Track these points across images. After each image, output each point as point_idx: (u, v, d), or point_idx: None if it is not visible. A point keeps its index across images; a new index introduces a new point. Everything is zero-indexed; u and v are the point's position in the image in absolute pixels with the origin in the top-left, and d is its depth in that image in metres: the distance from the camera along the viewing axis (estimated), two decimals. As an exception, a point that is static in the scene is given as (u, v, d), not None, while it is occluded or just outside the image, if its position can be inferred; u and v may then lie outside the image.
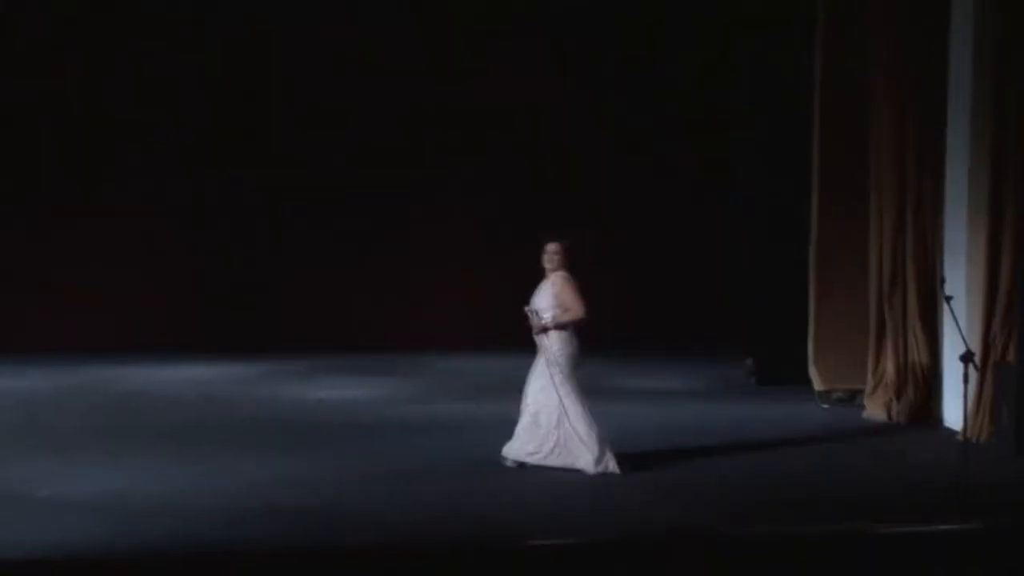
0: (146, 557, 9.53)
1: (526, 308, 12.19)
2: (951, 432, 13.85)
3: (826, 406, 15.58)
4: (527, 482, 11.68)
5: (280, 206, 20.26)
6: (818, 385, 15.79)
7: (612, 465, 11.92)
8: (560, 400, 12.02)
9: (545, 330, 12.09)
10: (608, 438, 12.00)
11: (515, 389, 15.12)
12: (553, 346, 12.10)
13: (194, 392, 12.95)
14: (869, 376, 15.22)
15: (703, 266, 20.02)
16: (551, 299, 12.13)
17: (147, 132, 19.95)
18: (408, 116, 20.31)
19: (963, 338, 11.77)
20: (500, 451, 12.27)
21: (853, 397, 15.54)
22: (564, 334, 12.13)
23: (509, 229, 19.68)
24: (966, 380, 11.34)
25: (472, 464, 12.25)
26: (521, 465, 12.12)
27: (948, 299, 11.89)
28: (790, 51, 16.58)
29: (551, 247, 12.25)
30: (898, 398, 14.73)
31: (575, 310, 12.05)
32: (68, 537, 9.88)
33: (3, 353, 18.70)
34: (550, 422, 12.08)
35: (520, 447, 12.19)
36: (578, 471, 11.89)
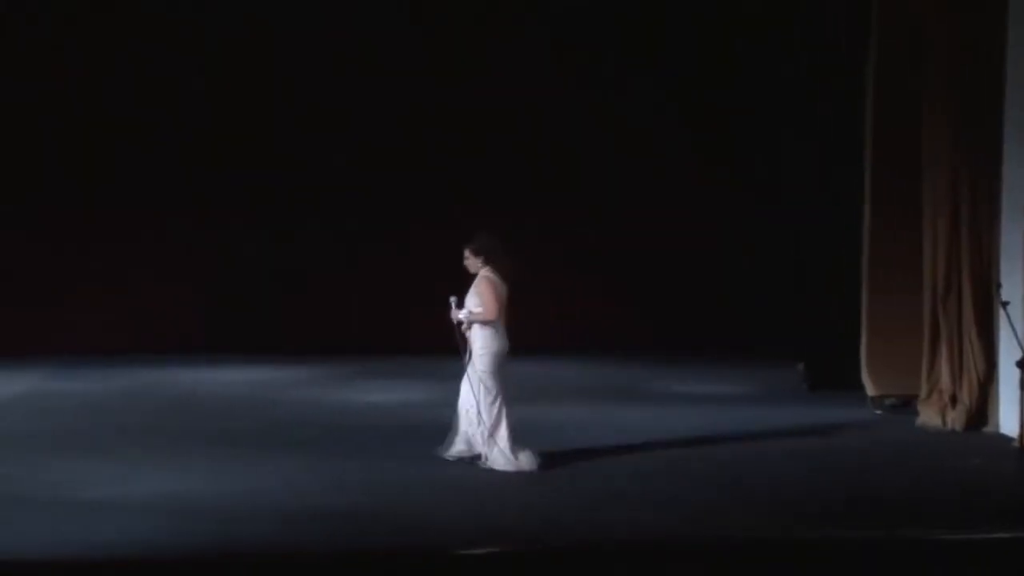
0: (194, 558, 9.58)
1: (451, 299, 12.38)
2: (1007, 439, 13.69)
3: (879, 412, 15.43)
4: (578, 487, 11.74)
5: (336, 209, 20.22)
6: (871, 391, 15.59)
7: (526, 463, 12.14)
8: (476, 397, 12.19)
9: (460, 325, 12.31)
10: (520, 437, 12.23)
11: (562, 393, 15.66)
12: (475, 343, 12.29)
13: (243, 395, 12.98)
14: (923, 382, 14.94)
15: (755, 270, 19.82)
16: (474, 298, 12.40)
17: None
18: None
19: (1020, 344, 11.67)
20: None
21: (907, 403, 15.29)
22: (487, 332, 12.37)
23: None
24: (1023, 386, 11.24)
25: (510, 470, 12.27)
26: (475, 458, 12.34)
27: (1005, 304, 11.77)
28: (840, 53, 16.54)
29: (465, 253, 12.50)
30: (953, 404, 14.50)
31: (484, 311, 12.28)
32: (118, 538, 10.03)
33: (57, 356, 18.86)
34: (471, 419, 12.30)
35: (451, 444, 12.45)
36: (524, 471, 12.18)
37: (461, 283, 16.99)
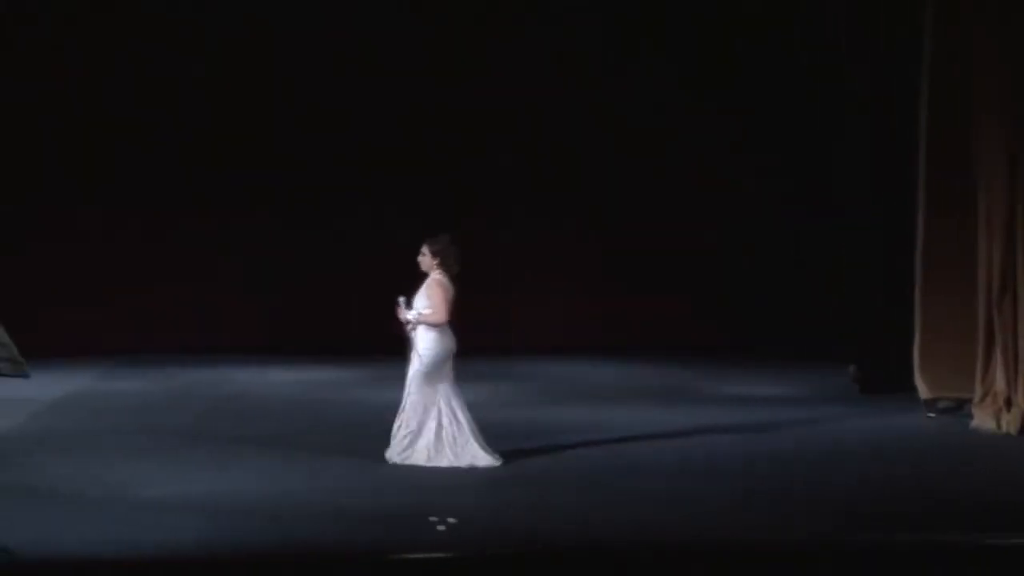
0: (246, 558, 9.60)
1: (399, 299, 12.40)
2: (1064, 444, 13.49)
3: (932, 415, 15.17)
4: (617, 488, 11.73)
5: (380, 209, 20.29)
6: (924, 393, 15.34)
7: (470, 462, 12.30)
8: (414, 398, 12.33)
9: (407, 324, 12.35)
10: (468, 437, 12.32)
11: (610, 394, 16.00)
12: (421, 344, 12.35)
13: (295, 395, 12.99)
14: (977, 385, 14.68)
15: (807, 271, 19.76)
16: (425, 299, 12.44)
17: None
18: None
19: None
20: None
21: (961, 406, 15.02)
22: (433, 334, 12.41)
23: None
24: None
25: (565, 469, 12.39)
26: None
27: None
28: (894, 53, 16.47)
29: (423, 247, 12.49)
30: (1008, 408, 14.27)
31: (435, 314, 12.34)
32: (170, 537, 10.02)
33: (112, 355, 18.94)
34: (413, 421, 12.39)
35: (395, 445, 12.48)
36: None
37: (471, 285, 17.05)
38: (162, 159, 20.05)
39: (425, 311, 12.38)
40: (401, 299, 12.44)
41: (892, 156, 16.35)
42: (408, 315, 12.37)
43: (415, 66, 20.23)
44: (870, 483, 11.96)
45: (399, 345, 19.16)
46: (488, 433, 12.73)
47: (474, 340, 19.17)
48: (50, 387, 15.99)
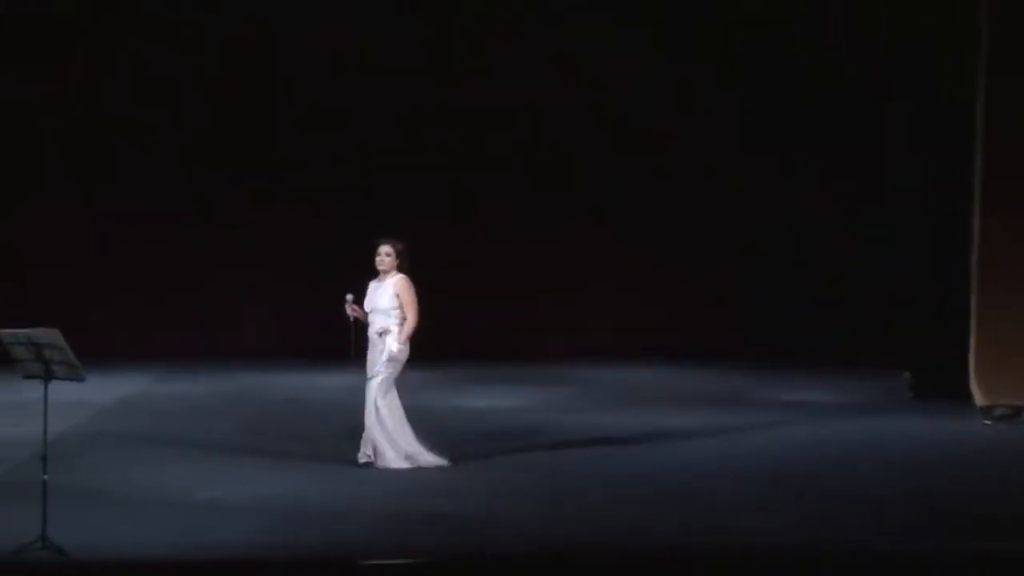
0: (300, 561, 9.62)
1: (348, 296, 12.37)
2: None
3: (988, 422, 14.89)
4: (677, 493, 11.73)
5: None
6: (980, 400, 15.19)
7: (424, 461, 12.37)
8: (375, 399, 12.30)
9: (382, 332, 12.32)
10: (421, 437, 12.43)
11: (668, 400, 16.13)
12: (392, 347, 12.32)
13: (350, 399, 12.87)
14: None
15: (861, 276, 19.77)
16: (391, 299, 12.36)
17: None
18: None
19: None
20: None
21: (1017, 413, 14.88)
22: (402, 335, 12.37)
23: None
24: None
25: (622, 475, 12.37)
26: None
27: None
28: (948, 51, 16.39)
29: (384, 248, 12.46)
30: None
31: (412, 318, 12.36)
32: (224, 539, 10.08)
33: (167, 359, 19.06)
34: (389, 423, 12.41)
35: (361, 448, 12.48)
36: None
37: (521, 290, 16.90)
38: (199, 162, 20.10)
39: (395, 311, 12.33)
40: (349, 296, 12.37)
41: (943, 160, 16.34)
42: (395, 342, 12.28)
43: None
44: (923, 490, 11.87)
45: (441, 349, 19.32)
46: (540, 437, 12.94)
47: (524, 345, 19.67)
48: (105, 390, 16.10)
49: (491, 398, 16.65)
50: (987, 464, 12.99)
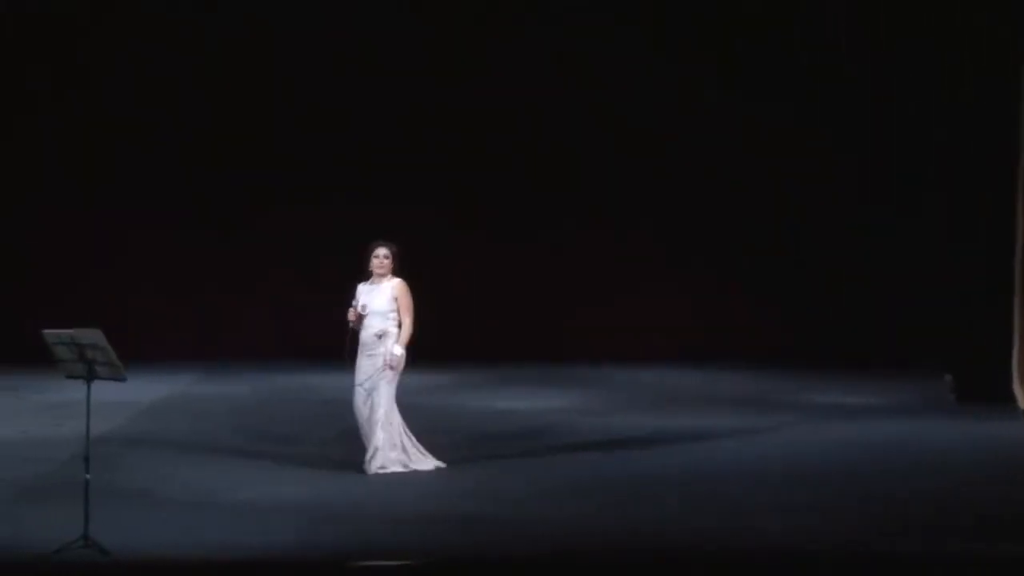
0: (339, 562, 9.66)
1: (359, 307, 12.31)
2: None
3: None
4: (703, 495, 11.74)
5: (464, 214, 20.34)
6: (1022, 404, 15.19)
7: (429, 464, 12.45)
8: (382, 401, 12.33)
9: (379, 335, 12.30)
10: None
11: (704, 402, 16.21)
12: (396, 349, 12.34)
13: None
14: None
15: (902, 278, 19.65)
16: (389, 302, 12.38)
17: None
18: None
19: None
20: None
21: None
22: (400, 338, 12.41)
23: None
24: None
25: (647, 476, 12.40)
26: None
27: None
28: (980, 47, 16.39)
29: (382, 251, 12.48)
30: None
31: (410, 322, 12.41)
32: (262, 541, 10.11)
33: (209, 359, 19.17)
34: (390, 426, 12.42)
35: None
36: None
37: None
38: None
39: (392, 314, 12.34)
40: (361, 304, 12.32)
41: (985, 161, 16.30)
42: (396, 350, 12.28)
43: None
44: (959, 493, 11.82)
45: (471, 349, 19.42)
46: (574, 438, 13.11)
47: (554, 346, 19.69)
48: (146, 391, 16.24)
49: (519, 399, 16.70)
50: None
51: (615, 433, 14.44)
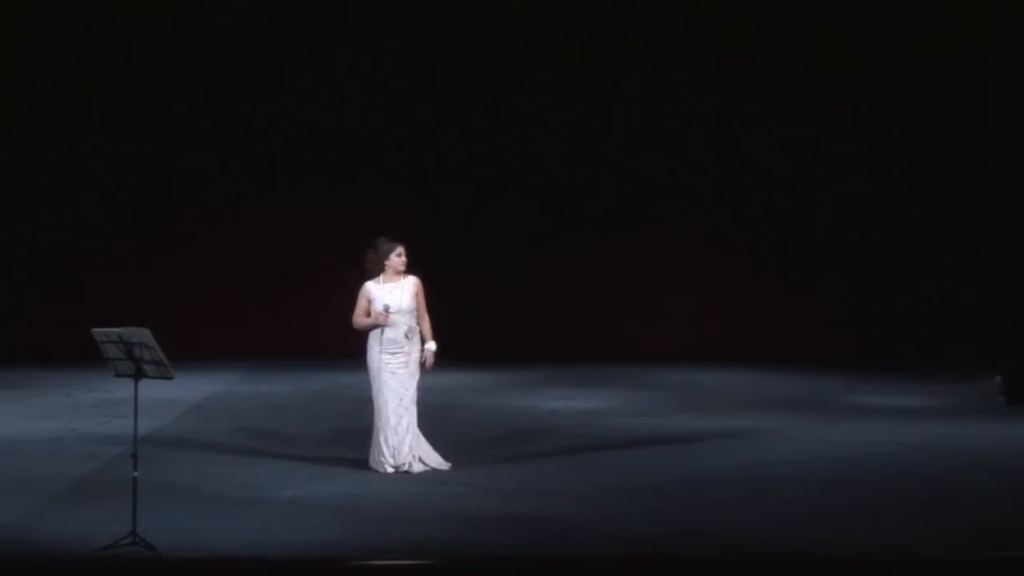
0: (380, 560, 9.70)
1: (388, 308, 12.25)
2: None
3: None
4: (763, 498, 11.66)
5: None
6: None
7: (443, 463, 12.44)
8: (404, 405, 12.32)
9: (408, 331, 12.29)
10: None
11: (754, 404, 16.10)
12: (432, 345, 12.37)
13: (429, 400, 12.99)
14: None
15: (951, 279, 19.77)
16: (412, 299, 12.37)
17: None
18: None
19: None
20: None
21: None
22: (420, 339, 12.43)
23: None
24: None
25: (701, 479, 12.36)
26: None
27: None
28: None
29: (403, 249, 12.45)
30: None
31: (429, 319, 12.44)
32: (306, 538, 10.18)
33: (251, 359, 19.37)
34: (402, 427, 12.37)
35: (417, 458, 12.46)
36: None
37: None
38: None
39: (413, 312, 12.35)
40: (391, 306, 12.25)
41: None
42: (430, 344, 12.32)
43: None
44: (1006, 496, 11.70)
45: (519, 349, 19.46)
46: (620, 438, 13.21)
47: (606, 348, 19.73)
48: (193, 389, 16.42)
49: (563, 399, 16.68)
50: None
51: (661, 434, 14.44)
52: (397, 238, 12.55)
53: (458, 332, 19.24)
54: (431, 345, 12.36)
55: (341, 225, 19.64)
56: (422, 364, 12.33)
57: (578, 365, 19.09)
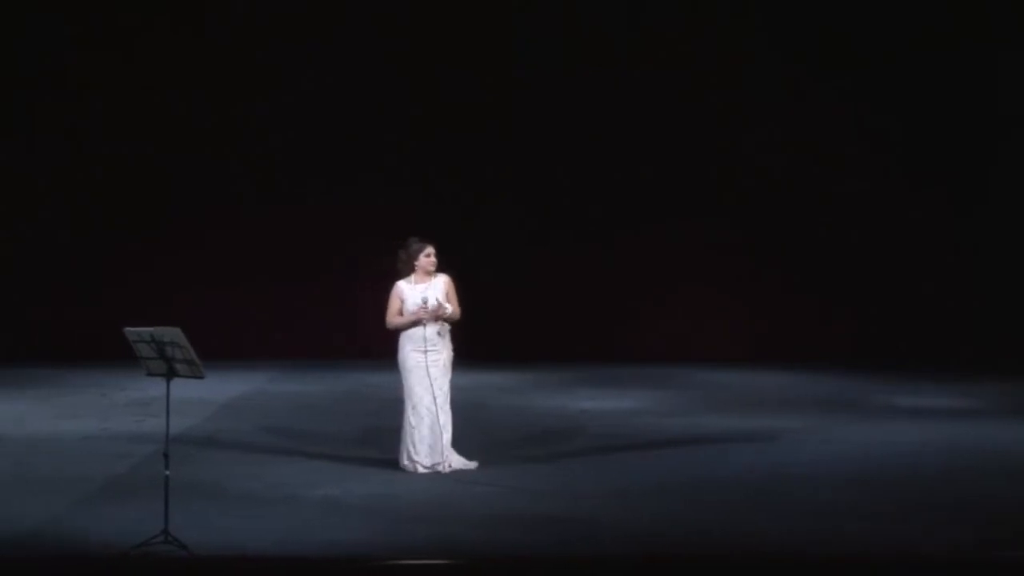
0: (408, 560, 9.72)
1: (435, 303, 12.24)
2: None
3: None
4: (795, 499, 11.65)
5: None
6: None
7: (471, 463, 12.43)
8: (437, 402, 12.30)
9: (440, 320, 12.27)
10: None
11: (786, 404, 16.07)
12: (446, 348, 12.38)
13: (458, 400, 13.05)
14: None
15: (988, 278, 19.81)
16: (445, 297, 12.38)
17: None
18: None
19: None
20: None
21: None
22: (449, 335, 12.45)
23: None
24: None
25: (730, 479, 12.34)
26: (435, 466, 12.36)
27: None
28: None
29: (431, 248, 12.46)
30: None
31: (458, 313, 12.43)
32: (336, 537, 10.22)
33: (280, 358, 19.54)
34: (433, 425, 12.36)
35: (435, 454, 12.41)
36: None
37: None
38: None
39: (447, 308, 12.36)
40: (431, 300, 12.27)
41: None
42: (446, 312, 12.29)
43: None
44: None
45: (549, 350, 19.49)
46: (650, 439, 13.36)
47: (636, 347, 19.76)
48: (224, 388, 16.58)
49: (593, 400, 16.71)
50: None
51: (692, 434, 14.45)
52: (426, 238, 12.58)
53: (484, 332, 19.56)
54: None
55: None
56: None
57: (610, 365, 19.13)
